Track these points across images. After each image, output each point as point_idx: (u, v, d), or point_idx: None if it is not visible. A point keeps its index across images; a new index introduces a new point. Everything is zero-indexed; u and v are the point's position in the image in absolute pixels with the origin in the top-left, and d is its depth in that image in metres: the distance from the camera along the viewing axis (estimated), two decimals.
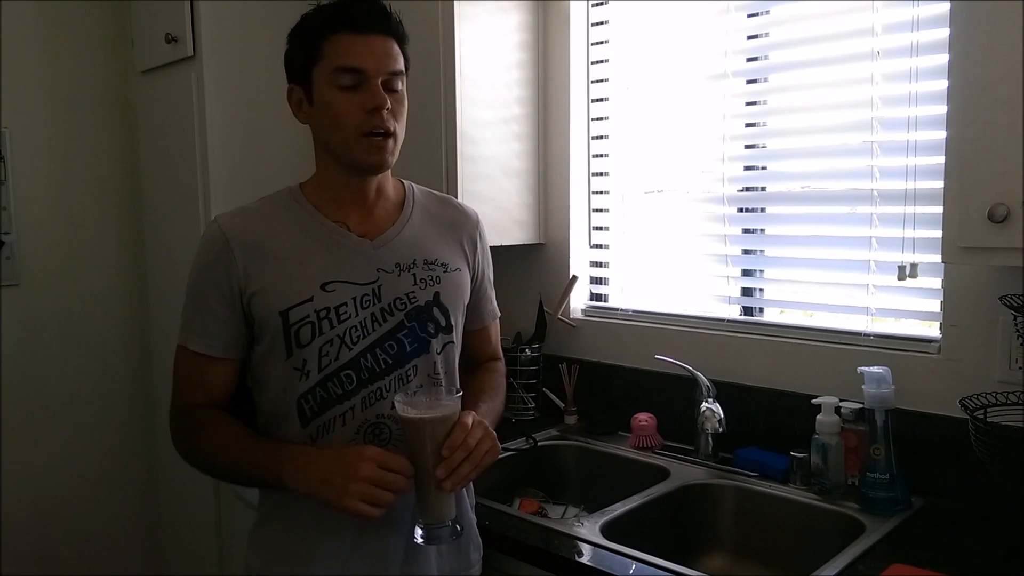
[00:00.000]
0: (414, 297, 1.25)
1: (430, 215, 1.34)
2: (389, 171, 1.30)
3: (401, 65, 1.21)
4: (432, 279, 1.27)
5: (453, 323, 1.30)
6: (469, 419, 1.14)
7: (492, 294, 1.46)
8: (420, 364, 1.25)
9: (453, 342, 1.31)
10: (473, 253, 1.37)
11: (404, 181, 1.37)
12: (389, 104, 1.18)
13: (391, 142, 1.20)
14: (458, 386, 1.31)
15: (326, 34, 1.18)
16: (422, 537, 1.16)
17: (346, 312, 1.20)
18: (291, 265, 1.21)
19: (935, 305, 1.56)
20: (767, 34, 1.81)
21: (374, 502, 1.08)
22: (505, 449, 1.84)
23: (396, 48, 1.20)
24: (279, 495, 1.22)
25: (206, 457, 1.24)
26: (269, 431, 1.25)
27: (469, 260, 1.36)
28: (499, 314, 1.49)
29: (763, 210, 1.84)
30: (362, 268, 1.23)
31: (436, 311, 1.27)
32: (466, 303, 1.35)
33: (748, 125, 1.86)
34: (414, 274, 1.26)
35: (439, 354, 1.27)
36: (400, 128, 1.22)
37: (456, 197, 1.91)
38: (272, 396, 1.24)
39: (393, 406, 1.18)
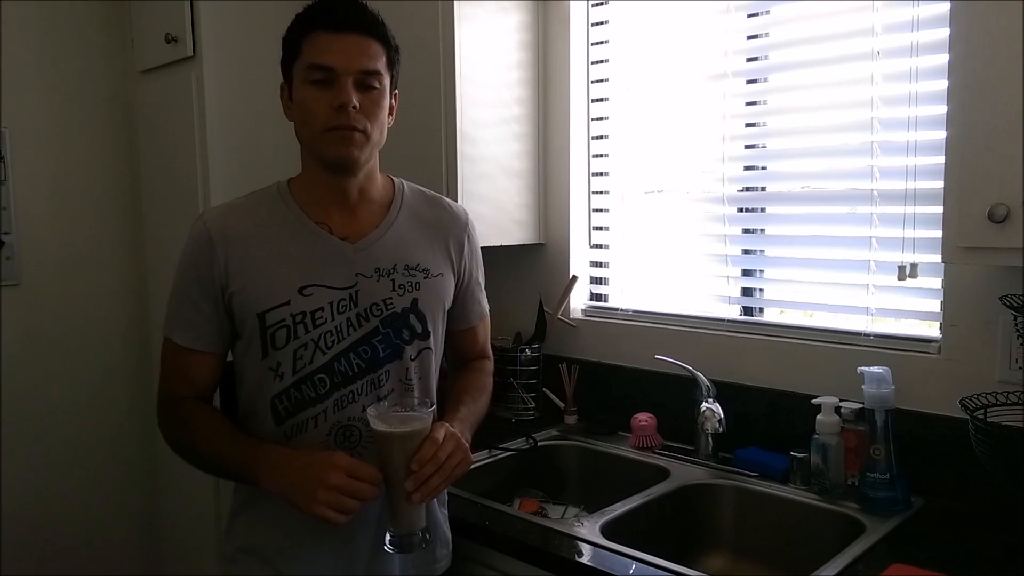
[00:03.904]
0: (391, 303, 1.25)
1: (417, 216, 1.33)
2: (375, 172, 1.29)
3: (378, 65, 1.20)
4: (411, 285, 1.27)
5: (430, 329, 1.30)
6: (440, 433, 1.15)
7: (480, 295, 1.45)
8: (393, 369, 1.26)
9: (430, 348, 1.30)
10: (460, 256, 1.36)
11: (395, 179, 1.36)
12: (357, 103, 1.17)
13: (359, 136, 1.19)
14: (434, 394, 1.32)
15: (304, 32, 1.19)
16: (391, 545, 1.17)
17: (322, 317, 1.21)
18: (271, 266, 1.22)
19: (935, 305, 1.56)
20: (767, 34, 1.81)
21: (342, 510, 1.10)
22: (505, 449, 1.84)
23: (375, 48, 1.20)
24: (251, 489, 1.24)
25: (191, 449, 1.25)
26: (247, 425, 1.27)
27: (455, 263, 1.35)
28: (487, 314, 1.49)
29: (763, 210, 1.84)
30: (341, 272, 1.23)
31: (412, 318, 1.27)
32: (447, 308, 1.35)
33: (748, 125, 1.86)
34: (393, 279, 1.26)
35: (413, 360, 1.28)
36: (373, 127, 1.21)
37: (456, 197, 1.92)
38: (248, 392, 1.27)
39: (364, 409, 1.19)
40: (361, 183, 1.27)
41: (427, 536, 1.20)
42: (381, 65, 1.20)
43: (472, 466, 1.21)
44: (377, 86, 1.20)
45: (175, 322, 1.25)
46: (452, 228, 1.36)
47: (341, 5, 1.19)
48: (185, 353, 1.25)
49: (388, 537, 1.18)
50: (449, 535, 1.40)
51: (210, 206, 2.14)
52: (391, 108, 1.26)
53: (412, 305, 1.27)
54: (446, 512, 1.41)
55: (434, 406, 1.19)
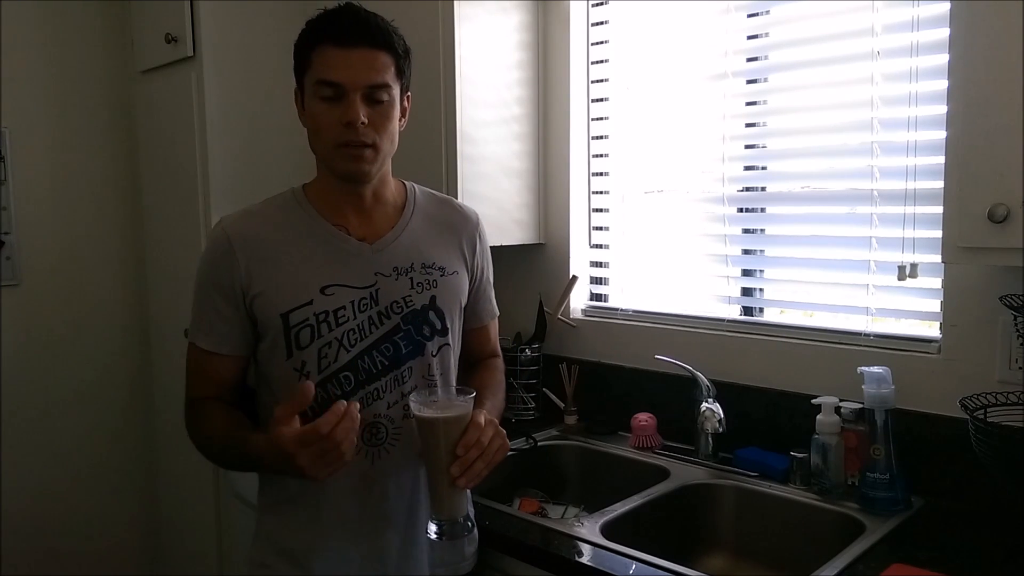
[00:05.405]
0: (410, 301, 1.28)
1: (430, 218, 1.36)
2: (388, 176, 1.32)
3: (386, 77, 1.20)
4: (429, 283, 1.30)
5: (449, 326, 1.32)
6: (482, 418, 1.18)
7: (491, 293, 1.48)
8: (415, 366, 1.28)
9: (449, 344, 1.33)
10: (472, 255, 1.39)
11: (406, 183, 1.39)
12: (365, 119, 1.18)
13: (369, 152, 1.21)
14: (455, 385, 1.33)
15: (313, 44, 1.20)
16: (436, 533, 1.19)
17: (344, 315, 1.24)
18: (292, 268, 1.24)
19: (935, 305, 1.56)
20: (767, 34, 1.81)
21: (332, 469, 1.09)
22: None
23: (383, 60, 1.20)
24: (276, 490, 1.27)
25: (208, 446, 1.28)
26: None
27: (468, 262, 1.38)
28: (498, 313, 1.51)
29: (763, 210, 1.84)
30: (361, 272, 1.26)
31: (432, 314, 1.30)
32: (463, 305, 1.37)
33: (748, 125, 1.86)
34: (411, 278, 1.29)
35: (434, 356, 1.30)
36: (384, 140, 1.22)
37: (456, 197, 1.92)
38: (275, 394, 1.27)
39: (389, 407, 1.23)
40: (375, 187, 1.30)
41: (470, 524, 1.22)
42: (389, 77, 1.21)
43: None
44: (386, 98, 1.21)
45: (198, 327, 1.27)
46: (464, 228, 1.39)
47: (348, 18, 1.19)
48: (209, 357, 1.27)
49: (433, 526, 1.19)
50: (477, 534, 1.40)
51: (211, 207, 2.16)
52: (404, 110, 1.28)
53: (431, 302, 1.30)
54: (472, 509, 1.40)
55: (474, 392, 1.20)
